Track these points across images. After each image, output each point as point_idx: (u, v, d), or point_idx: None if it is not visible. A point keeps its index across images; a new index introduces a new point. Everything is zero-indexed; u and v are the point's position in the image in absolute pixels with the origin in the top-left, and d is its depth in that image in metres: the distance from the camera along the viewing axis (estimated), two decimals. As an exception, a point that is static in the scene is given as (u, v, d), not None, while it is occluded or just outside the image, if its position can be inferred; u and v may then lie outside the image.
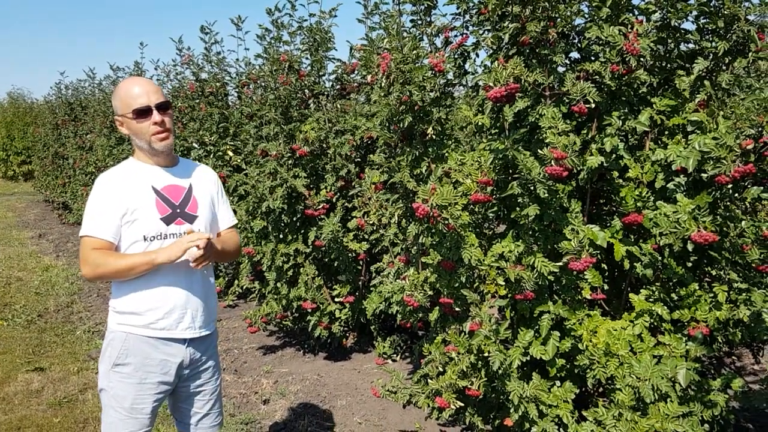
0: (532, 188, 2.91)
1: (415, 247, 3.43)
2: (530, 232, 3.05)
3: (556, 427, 2.97)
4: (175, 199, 2.45)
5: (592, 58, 3.09)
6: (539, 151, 2.80)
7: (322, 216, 4.69)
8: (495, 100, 2.72)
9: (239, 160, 5.89)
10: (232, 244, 2.70)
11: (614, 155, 3.00)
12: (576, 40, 3.29)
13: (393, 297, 3.64)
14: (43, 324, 6.21)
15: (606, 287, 3.11)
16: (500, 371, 2.89)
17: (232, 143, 6.27)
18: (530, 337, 3.03)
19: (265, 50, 5.15)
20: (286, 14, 5.11)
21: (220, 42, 7.03)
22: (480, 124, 3.21)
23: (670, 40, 3.09)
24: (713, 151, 2.65)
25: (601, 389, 3.42)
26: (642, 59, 2.99)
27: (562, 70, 3.15)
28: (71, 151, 11.98)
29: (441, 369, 3.23)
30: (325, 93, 5.24)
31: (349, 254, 4.76)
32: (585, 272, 2.96)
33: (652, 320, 3.00)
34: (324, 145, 4.84)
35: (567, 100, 2.98)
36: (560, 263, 2.90)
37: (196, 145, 6.58)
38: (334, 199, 4.80)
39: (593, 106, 2.89)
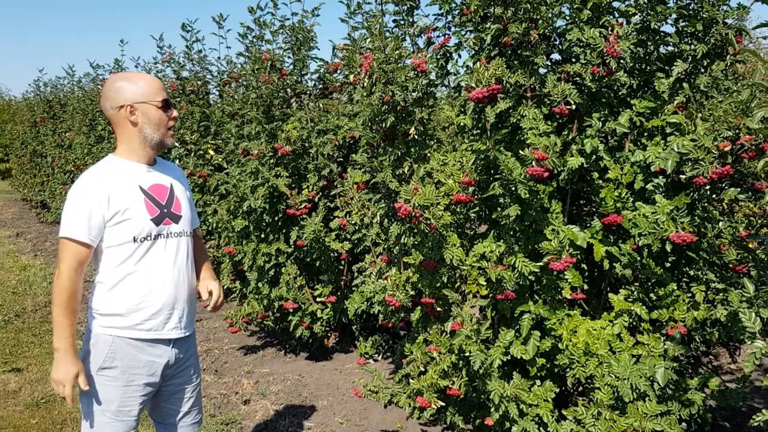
0: (513, 189, 2.92)
1: (397, 247, 3.44)
2: (511, 233, 3.06)
3: (537, 426, 2.99)
4: (161, 198, 2.41)
5: (573, 60, 3.12)
6: (520, 151, 2.82)
7: (304, 216, 4.68)
8: (477, 100, 2.74)
9: (220, 159, 5.86)
10: (203, 248, 2.74)
11: (594, 156, 3.03)
12: (557, 42, 3.31)
13: (375, 297, 3.65)
14: (21, 324, 6.12)
15: (586, 287, 3.14)
16: (481, 371, 2.90)
17: (213, 142, 6.24)
18: (511, 337, 3.05)
19: (248, 49, 5.13)
20: (269, 13, 5.08)
21: (202, 40, 7.00)
22: (462, 124, 3.22)
23: (649, 43, 3.13)
24: (691, 153, 2.69)
25: (580, 388, 3.45)
26: (622, 61, 3.03)
27: (543, 71, 3.17)
28: (50, 149, 11.85)
29: (422, 369, 3.24)
30: (308, 92, 5.22)
31: (331, 254, 4.75)
32: (565, 272, 2.98)
33: (631, 320, 3.03)
34: (306, 145, 4.83)
35: (548, 102, 3.00)
36: (541, 263, 2.92)
37: (176, 144, 6.53)
38: (316, 199, 4.79)
39: (574, 107, 2.91)
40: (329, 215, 4.76)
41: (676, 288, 2.99)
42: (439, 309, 3.21)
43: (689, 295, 2.99)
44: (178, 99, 7.31)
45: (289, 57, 5.07)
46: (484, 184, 3.13)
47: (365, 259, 4.28)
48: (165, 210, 2.41)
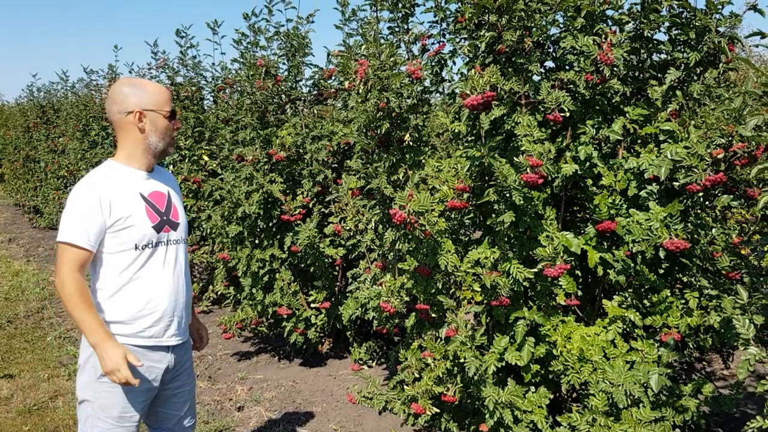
0: (507, 195, 2.93)
1: (391, 253, 3.44)
2: (506, 239, 3.07)
3: (531, 432, 3.00)
4: (160, 205, 2.42)
5: (567, 68, 3.13)
6: (515, 158, 2.83)
7: (299, 221, 4.67)
8: (471, 107, 2.75)
9: (215, 165, 5.85)
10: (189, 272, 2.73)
11: (588, 163, 3.04)
12: (551, 50, 3.33)
13: (369, 303, 3.64)
14: (13, 330, 6.09)
15: (580, 293, 3.15)
16: (476, 377, 2.91)
17: (207, 148, 6.23)
18: (505, 343, 3.05)
19: (242, 55, 5.13)
20: (263, 19, 5.09)
21: (196, 46, 6.99)
22: (456, 131, 3.24)
23: (643, 51, 3.15)
24: (685, 160, 2.71)
25: (575, 395, 3.46)
26: (615, 69, 3.05)
27: (537, 78, 3.19)
28: (43, 154, 11.80)
29: (417, 375, 3.24)
30: (303, 98, 5.23)
31: (326, 260, 4.75)
32: (559, 278, 2.99)
33: (625, 326, 3.04)
34: (301, 151, 4.83)
35: (542, 109, 3.02)
36: (535, 270, 2.93)
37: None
38: (310, 205, 4.79)
39: (568, 114, 2.92)
40: (324, 221, 4.76)
41: (669, 294, 3.01)
42: (433, 315, 3.21)
43: (683, 301, 3.00)
44: (173, 105, 7.30)
45: (284, 63, 5.08)
46: (479, 191, 3.14)
47: (360, 265, 4.28)
48: (165, 217, 2.41)
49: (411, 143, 3.29)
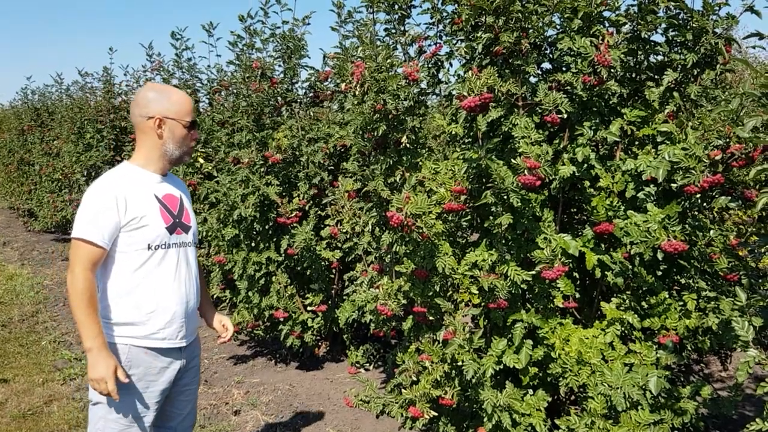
0: (505, 197, 2.92)
1: (388, 256, 3.42)
2: (503, 241, 3.06)
3: (529, 435, 2.98)
4: (173, 208, 2.47)
5: (564, 69, 3.12)
6: (512, 160, 2.82)
7: (295, 224, 4.66)
8: (469, 109, 2.73)
9: (210, 168, 5.82)
10: (199, 270, 2.76)
11: (586, 165, 3.03)
12: (548, 51, 3.32)
13: (367, 306, 3.63)
14: (7, 334, 6.05)
15: (578, 296, 3.14)
16: (474, 380, 2.89)
17: (203, 150, 6.20)
18: (503, 346, 3.04)
19: (238, 57, 5.11)
20: (259, 21, 5.08)
21: (191, 48, 6.97)
22: (453, 133, 3.22)
23: (640, 52, 3.14)
24: (683, 162, 2.70)
25: (573, 397, 3.44)
26: (613, 70, 3.04)
27: (534, 80, 3.18)
28: (37, 157, 11.74)
29: (414, 378, 3.22)
30: (298, 100, 5.21)
31: (322, 263, 4.73)
32: (557, 281, 2.98)
33: (623, 328, 3.03)
34: (297, 153, 4.81)
35: (539, 110, 3.01)
36: (533, 272, 2.91)
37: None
38: (306, 207, 4.77)
39: (565, 116, 2.91)
40: (320, 224, 4.74)
41: (667, 296, 3.00)
42: (431, 318, 3.20)
43: (681, 303, 2.99)
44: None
45: (279, 65, 5.06)
46: (476, 193, 3.13)
47: (356, 268, 4.27)
48: (177, 220, 2.47)
49: (408, 145, 3.28)
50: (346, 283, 5.01)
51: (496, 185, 2.91)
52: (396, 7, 3.42)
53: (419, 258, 3.10)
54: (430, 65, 3.46)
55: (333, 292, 5.10)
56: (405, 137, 3.23)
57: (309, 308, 4.86)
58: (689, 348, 3.18)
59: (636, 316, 2.99)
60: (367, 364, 5.04)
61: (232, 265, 4.95)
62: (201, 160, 6.20)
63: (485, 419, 2.95)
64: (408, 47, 3.48)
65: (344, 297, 4.84)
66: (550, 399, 3.12)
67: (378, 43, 3.60)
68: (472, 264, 3.05)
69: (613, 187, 3.02)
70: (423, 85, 3.56)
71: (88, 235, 2.24)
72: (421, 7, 3.43)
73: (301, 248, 4.54)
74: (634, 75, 3.26)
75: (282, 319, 4.78)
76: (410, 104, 3.34)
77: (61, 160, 10.09)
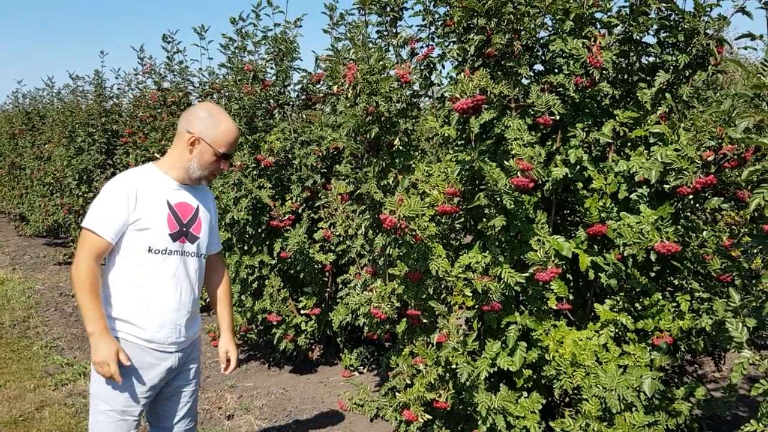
0: (498, 199, 2.91)
1: (382, 259, 3.41)
2: (496, 243, 3.05)
3: (524, 438, 2.97)
4: (184, 217, 2.49)
5: (556, 71, 3.12)
6: (505, 162, 2.81)
7: (288, 227, 4.64)
8: (461, 111, 2.73)
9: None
10: (226, 289, 2.85)
11: (579, 166, 3.03)
12: (540, 53, 3.32)
13: (360, 309, 3.61)
14: (-2, 340, 6.00)
15: (571, 297, 3.13)
16: (468, 383, 2.88)
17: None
18: (497, 348, 3.03)
19: (230, 60, 5.09)
20: (251, 23, 5.06)
21: (183, 51, 6.96)
22: (446, 135, 3.21)
23: (632, 53, 3.14)
24: (675, 163, 2.70)
25: (567, 399, 3.44)
26: (605, 72, 3.04)
27: (526, 82, 3.18)
28: (28, 161, 11.68)
29: (409, 381, 3.21)
30: (291, 103, 5.19)
31: (315, 266, 4.71)
32: (551, 282, 2.97)
33: (616, 330, 3.02)
34: (289, 156, 4.79)
35: (532, 112, 3.00)
36: (527, 274, 2.91)
37: (158, 156, 6.47)
38: (299, 210, 4.75)
39: (558, 118, 2.91)
40: (313, 227, 4.73)
41: (661, 298, 2.99)
42: (425, 321, 3.18)
43: (674, 304, 2.99)
44: (159, 110, 7.25)
45: (272, 68, 5.04)
46: (470, 195, 3.12)
47: (350, 271, 4.25)
48: (184, 228, 2.49)
49: (401, 147, 3.26)
50: (340, 286, 4.99)
51: (489, 187, 2.90)
52: (388, 9, 3.41)
53: (412, 260, 3.09)
54: (422, 67, 3.46)
55: (326, 295, 5.08)
56: (398, 140, 3.22)
57: (302, 312, 4.84)
58: (683, 349, 3.18)
59: (629, 317, 2.99)
60: (361, 368, 5.02)
61: (224, 268, 4.92)
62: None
63: (480, 422, 2.94)
64: (400, 49, 3.47)
65: (338, 300, 4.82)
66: (544, 401, 3.11)
67: (370, 45, 3.59)
68: (466, 266, 3.04)
69: (606, 189, 3.02)
70: (415, 87, 3.55)
71: (95, 227, 2.32)
72: (413, 9, 3.43)
73: (294, 251, 4.52)
74: (625, 76, 3.26)
75: (275, 323, 4.76)
76: (402, 106, 3.33)
77: (53, 164, 10.03)
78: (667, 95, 3.00)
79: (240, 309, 4.91)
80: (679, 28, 2.99)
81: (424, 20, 3.39)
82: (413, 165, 3.22)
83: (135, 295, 2.41)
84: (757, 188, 2.95)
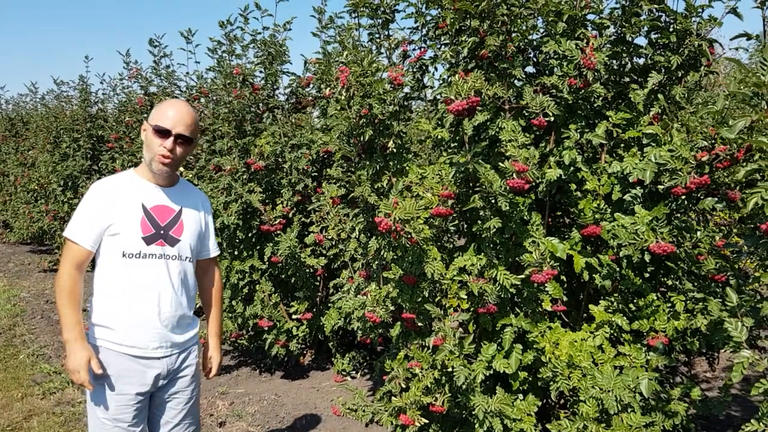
0: (493, 201, 2.90)
1: (376, 262, 3.38)
2: (491, 245, 3.04)
3: (521, 441, 2.96)
4: (161, 220, 2.45)
5: (548, 73, 3.12)
6: (500, 164, 2.80)
7: (279, 231, 4.60)
8: (456, 113, 2.71)
9: (190, 176, 5.75)
10: (218, 295, 2.82)
11: (572, 168, 3.03)
12: (531, 55, 3.32)
13: (354, 313, 3.58)
14: (-17, 349, 5.90)
15: (565, 299, 3.13)
16: (464, 386, 2.86)
17: (183, 158, 6.11)
18: (493, 351, 3.02)
19: (219, 63, 5.05)
20: (238, 27, 5.03)
21: (170, 55, 6.90)
22: (439, 137, 3.20)
23: (625, 55, 3.15)
24: (669, 163, 2.70)
25: (562, 401, 3.43)
26: (597, 73, 3.04)
27: (518, 84, 3.17)
28: (12, 167, 11.53)
29: (404, 385, 3.19)
30: (281, 107, 5.16)
31: (307, 270, 4.68)
32: (546, 284, 2.97)
33: (612, 331, 3.02)
34: (280, 160, 4.76)
35: (526, 114, 3.00)
36: (522, 276, 2.90)
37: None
38: (290, 214, 4.72)
39: (552, 119, 2.91)
40: (304, 231, 4.69)
41: (656, 298, 3.00)
42: (420, 324, 3.16)
43: (669, 305, 2.99)
44: (146, 115, 7.17)
45: (261, 71, 5.01)
46: (464, 197, 3.11)
47: (342, 275, 4.22)
48: (161, 232, 2.44)
49: (394, 150, 3.25)
50: (331, 291, 4.96)
51: (484, 189, 2.89)
52: (380, 11, 3.40)
53: (407, 264, 3.07)
54: (414, 69, 3.45)
55: (318, 299, 5.04)
56: (391, 142, 3.20)
57: (294, 316, 4.80)
58: (677, 349, 3.18)
59: (625, 318, 2.99)
60: (354, 372, 4.99)
61: (214, 274, 4.87)
62: (181, 168, 6.12)
63: (476, 425, 2.92)
64: (392, 51, 3.46)
65: (329, 304, 4.79)
66: (540, 403, 3.10)
67: (360, 48, 3.57)
68: (461, 269, 3.03)
69: (600, 190, 3.02)
70: (407, 89, 3.54)
71: (73, 235, 2.34)
72: (405, 11, 3.42)
73: (285, 256, 4.49)
74: (617, 78, 3.27)
75: (267, 328, 4.72)
76: (395, 109, 3.31)
77: (37, 171, 9.91)
78: (660, 96, 3.01)
79: (231, 314, 4.86)
80: (671, 30, 3.00)
81: (416, 22, 3.39)
82: (407, 168, 3.20)
83: (114, 300, 2.38)
84: (747, 188, 2.98)
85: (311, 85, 5.16)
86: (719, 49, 3.13)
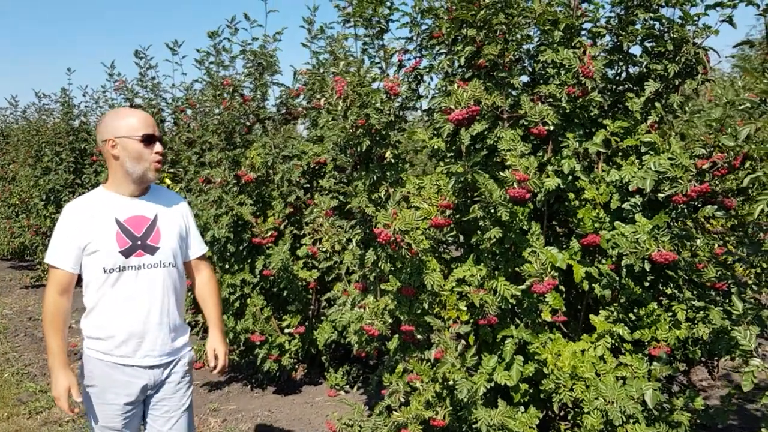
0: (493, 211, 2.87)
1: (373, 274, 3.33)
2: (490, 256, 3.01)
3: (524, 454, 2.91)
4: (137, 230, 2.45)
5: (544, 82, 3.10)
6: (500, 173, 2.77)
7: (270, 244, 4.54)
8: (456, 122, 2.68)
9: (178, 189, 5.67)
10: (210, 288, 2.81)
11: (571, 177, 3.01)
12: (526, 64, 3.31)
13: (351, 326, 3.52)
14: (-36, 368, 5.75)
15: (564, 309, 3.10)
16: (466, 399, 2.81)
17: (171, 170, 6.04)
18: (494, 363, 2.97)
19: (208, 74, 4.99)
20: (225, 38, 4.98)
21: (155, 67, 6.83)
22: (436, 147, 3.17)
23: (621, 63, 3.14)
24: (669, 171, 2.69)
25: (562, 413, 3.39)
26: (594, 82, 3.03)
27: (515, 93, 3.15)
28: (-8, 182, 11.35)
29: (403, 400, 3.13)
30: (271, 117, 5.11)
31: (299, 283, 4.62)
32: (546, 295, 2.93)
33: (613, 341, 2.99)
34: (271, 171, 4.70)
35: (524, 123, 2.97)
36: (523, 286, 2.86)
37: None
38: (282, 227, 4.66)
39: (551, 128, 2.88)
40: (296, 243, 4.63)
41: (657, 307, 2.98)
42: (419, 336, 3.11)
43: (670, 314, 2.97)
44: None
45: (251, 82, 4.96)
46: (463, 207, 3.08)
47: (335, 288, 4.16)
48: (138, 242, 2.44)
49: (392, 160, 3.21)
50: (324, 304, 4.90)
51: (483, 199, 2.86)
52: (374, 21, 3.37)
53: (405, 275, 3.03)
54: (410, 79, 3.42)
55: (310, 313, 4.98)
56: (389, 152, 3.16)
57: (286, 330, 4.73)
58: (679, 358, 3.16)
59: (626, 328, 2.96)
60: (347, 386, 4.92)
61: (205, 288, 4.77)
62: (168, 181, 6.05)
63: (479, 439, 2.87)
64: (388, 62, 3.43)
65: (322, 318, 4.73)
66: (541, 415, 3.06)
67: (351, 58, 3.54)
68: (459, 280, 2.99)
69: (599, 199, 3.00)
70: (399, 100, 3.50)
71: (53, 260, 2.37)
72: (399, 21, 3.39)
73: (277, 269, 4.42)
74: (613, 86, 3.27)
75: (258, 343, 4.64)
76: (391, 119, 3.28)
77: (18, 185, 9.76)
78: (657, 104, 3.00)
79: (222, 329, 4.76)
80: (667, 38, 3.00)
81: (411, 32, 3.36)
82: (405, 178, 3.16)
83: (100, 314, 2.42)
84: (739, 195, 2.98)
85: (301, 96, 5.12)
86: (714, 58, 3.14)
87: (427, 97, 3.44)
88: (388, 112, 3.20)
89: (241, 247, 4.73)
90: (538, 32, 3.15)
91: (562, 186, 2.99)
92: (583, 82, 2.88)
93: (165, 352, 2.51)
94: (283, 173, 4.56)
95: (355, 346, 3.74)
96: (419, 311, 3.05)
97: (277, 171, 4.60)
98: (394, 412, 3.05)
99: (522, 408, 3.08)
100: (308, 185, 4.86)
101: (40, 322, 7.26)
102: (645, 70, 3.15)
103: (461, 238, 3.43)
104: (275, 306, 4.89)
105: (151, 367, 2.48)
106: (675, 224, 3.04)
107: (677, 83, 3.06)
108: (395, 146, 3.26)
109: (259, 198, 4.79)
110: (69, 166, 8.64)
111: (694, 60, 2.96)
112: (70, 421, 4.41)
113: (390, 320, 3.22)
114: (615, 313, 3.04)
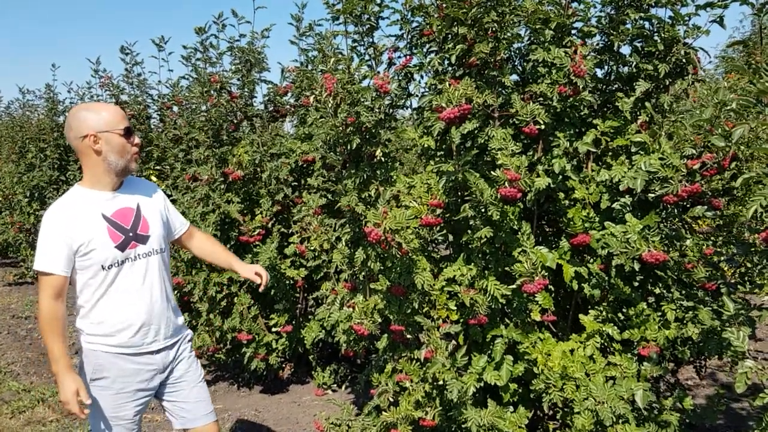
0: (484, 210, 2.86)
1: (362, 273, 3.31)
2: (481, 255, 2.99)
3: (513, 454, 2.90)
4: (125, 223, 2.48)
5: (534, 80, 3.09)
6: (491, 172, 2.75)
7: (258, 243, 4.50)
8: (448, 121, 2.67)
9: (164, 186, 5.61)
10: (211, 240, 2.99)
11: (561, 176, 3.00)
12: (516, 63, 3.30)
13: (340, 325, 3.50)
14: (-54, 367, 5.66)
15: (553, 308, 3.09)
16: (457, 399, 2.80)
17: (156, 168, 5.99)
18: (484, 363, 2.96)
19: (195, 70, 4.94)
20: (212, 35, 4.92)
21: (141, 63, 6.78)
22: (426, 146, 3.15)
23: (611, 63, 3.14)
24: (660, 171, 2.69)
25: (551, 412, 3.39)
26: (585, 81, 3.02)
27: (506, 92, 3.13)
28: (-26, 179, 11.19)
29: (392, 399, 3.11)
30: (259, 115, 5.07)
31: (287, 282, 4.58)
32: (536, 294, 2.92)
33: (602, 341, 2.99)
34: (258, 169, 4.66)
35: (515, 122, 2.96)
36: (513, 286, 2.85)
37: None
38: (269, 225, 4.62)
39: (543, 127, 2.87)
40: (283, 241, 4.60)
41: (646, 307, 2.98)
42: (409, 336, 3.09)
43: (659, 314, 2.97)
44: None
45: (238, 79, 4.91)
46: (453, 206, 3.06)
47: (323, 287, 4.13)
48: (130, 234, 2.48)
49: (382, 159, 3.18)
50: (311, 303, 4.87)
51: (474, 198, 2.84)
52: (364, 18, 3.34)
53: (395, 274, 3.01)
54: (400, 77, 3.39)
55: (298, 311, 4.94)
56: (379, 150, 3.13)
57: (273, 329, 4.70)
58: (668, 358, 3.17)
59: (615, 327, 2.96)
60: (334, 385, 4.89)
61: (191, 286, 4.73)
62: (153, 178, 5.99)
63: (468, 439, 2.85)
64: (378, 59, 3.40)
65: (309, 317, 4.70)
66: (530, 415, 3.05)
67: (340, 56, 3.51)
68: (449, 279, 2.97)
69: (588, 199, 3.00)
70: (390, 97, 3.47)
71: (43, 266, 2.34)
72: (389, 18, 3.37)
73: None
74: (603, 86, 3.26)
75: (245, 342, 4.60)
76: (381, 117, 3.25)
77: (2, 182, 9.63)
78: (648, 104, 3.00)
79: (208, 328, 4.73)
80: (656, 38, 3.00)
81: (402, 29, 3.33)
82: (395, 177, 3.14)
83: (102, 311, 2.44)
84: (726, 196, 2.99)
85: (289, 94, 5.08)
86: (704, 58, 3.14)
87: (417, 95, 3.41)
88: (378, 110, 3.17)
89: (228, 246, 4.68)
90: (528, 31, 3.14)
91: (552, 185, 2.98)
92: (574, 81, 2.87)
93: (170, 334, 2.61)
94: (270, 171, 4.52)
95: (343, 345, 3.72)
96: (409, 311, 3.03)
97: (265, 169, 4.56)
98: (383, 412, 3.03)
99: (511, 408, 3.07)
100: (296, 183, 4.82)
101: (23, 320, 7.23)
102: (635, 70, 3.15)
103: (451, 237, 3.41)
104: (262, 305, 4.86)
105: (159, 351, 2.56)
106: (665, 224, 3.04)
107: (667, 83, 3.06)
108: (385, 144, 3.23)
109: (246, 196, 4.75)
110: (53, 162, 8.54)
111: (684, 60, 2.96)
112: (54, 420, 4.35)
113: (379, 319, 3.20)
114: (604, 313, 3.04)
